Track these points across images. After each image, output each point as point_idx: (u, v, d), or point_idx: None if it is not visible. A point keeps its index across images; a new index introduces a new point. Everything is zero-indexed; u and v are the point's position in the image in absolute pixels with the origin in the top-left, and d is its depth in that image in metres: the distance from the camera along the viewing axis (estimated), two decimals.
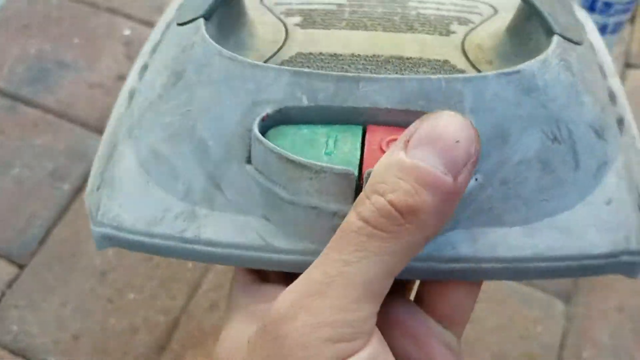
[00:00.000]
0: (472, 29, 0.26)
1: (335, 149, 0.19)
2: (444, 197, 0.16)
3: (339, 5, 0.27)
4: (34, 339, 0.50)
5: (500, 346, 0.49)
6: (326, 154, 0.19)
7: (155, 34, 0.29)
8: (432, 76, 0.19)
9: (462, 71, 0.23)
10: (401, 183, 0.16)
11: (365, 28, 0.25)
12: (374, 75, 0.19)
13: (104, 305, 0.51)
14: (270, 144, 0.19)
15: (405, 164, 0.16)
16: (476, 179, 0.19)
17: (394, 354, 0.20)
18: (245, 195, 0.20)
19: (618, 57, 0.67)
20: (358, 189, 0.19)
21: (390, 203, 0.16)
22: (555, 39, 0.22)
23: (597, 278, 0.52)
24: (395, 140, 0.18)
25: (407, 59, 0.23)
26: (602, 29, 0.52)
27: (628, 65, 0.67)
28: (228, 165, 0.20)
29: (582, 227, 0.20)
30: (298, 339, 0.15)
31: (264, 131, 0.20)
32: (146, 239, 0.21)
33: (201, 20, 0.22)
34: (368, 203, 0.16)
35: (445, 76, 0.19)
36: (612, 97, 0.25)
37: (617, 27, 0.53)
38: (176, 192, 0.21)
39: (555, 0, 0.24)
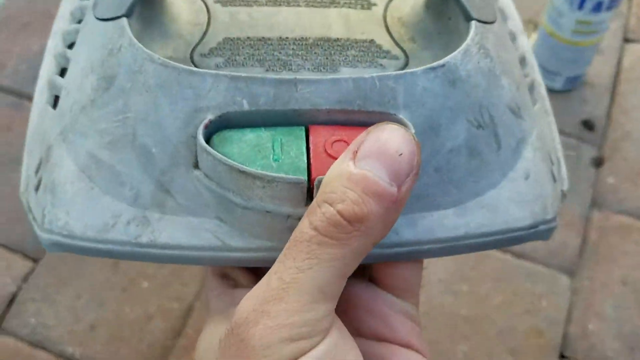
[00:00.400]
0: (391, 0, 0.26)
1: (282, 154, 0.20)
2: (388, 206, 0.17)
3: None
4: (51, 331, 0.51)
5: (506, 322, 0.50)
6: (274, 160, 0.20)
7: (64, 8, 0.27)
8: (366, 75, 0.20)
9: (388, 52, 0.24)
10: (349, 193, 0.17)
11: (288, 3, 0.25)
12: (311, 76, 0.20)
13: (118, 294, 0.52)
14: (220, 156, 0.19)
15: (353, 175, 0.17)
16: None
17: (362, 332, 0.22)
18: (197, 199, 0.21)
19: (616, 31, 0.67)
20: (309, 192, 0.20)
21: (339, 213, 0.17)
22: (473, 25, 0.22)
23: (601, 252, 0.53)
24: (339, 141, 0.19)
25: (335, 40, 0.24)
26: (598, 6, 0.53)
27: (627, 40, 0.67)
28: (175, 171, 0.21)
29: (505, 203, 0.22)
30: (260, 340, 0.16)
31: (208, 137, 0.20)
32: (100, 245, 0.21)
33: (124, 20, 0.22)
34: (319, 212, 0.17)
35: (378, 74, 0.20)
36: (522, 61, 0.26)
37: (613, 3, 0.53)
38: (124, 198, 0.21)
39: None
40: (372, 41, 0.24)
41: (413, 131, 0.19)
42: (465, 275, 0.53)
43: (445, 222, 0.21)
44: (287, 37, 0.24)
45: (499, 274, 0.52)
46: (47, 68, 0.26)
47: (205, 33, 0.24)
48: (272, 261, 0.18)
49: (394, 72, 0.20)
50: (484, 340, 0.50)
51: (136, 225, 0.21)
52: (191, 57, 0.23)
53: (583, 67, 0.60)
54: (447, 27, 0.24)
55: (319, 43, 0.24)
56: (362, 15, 0.25)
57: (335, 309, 0.18)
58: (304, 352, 0.17)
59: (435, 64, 0.21)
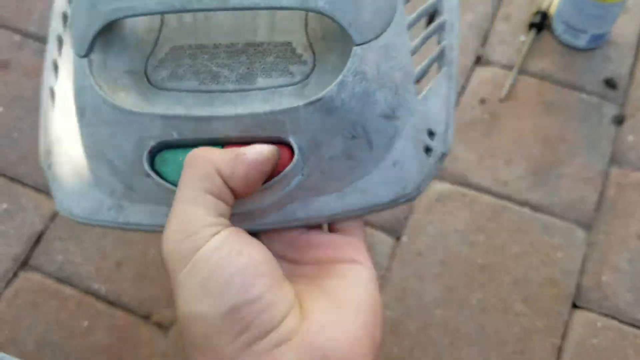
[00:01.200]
0: None
1: None
2: (230, 157, 0.25)
3: None
4: (78, 268, 0.53)
5: (522, 271, 0.51)
6: None
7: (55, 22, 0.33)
8: (261, 111, 0.26)
9: (300, 56, 0.28)
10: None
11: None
12: (220, 114, 0.26)
13: (144, 236, 0.53)
14: (157, 178, 0.27)
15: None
16: (302, 175, 0.27)
17: (313, 261, 0.28)
18: (154, 194, 0.28)
19: None
20: None
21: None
22: (353, 51, 0.26)
23: (618, 207, 0.53)
24: None
25: (258, 45, 0.29)
26: None
27: None
28: (134, 177, 0.28)
29: (374, 186, 0.29)
30: (166, 247, 0.24)
31: (153, 157, 0.27)
32: (92, 222, 0.30)
33: (85, 62, 0.27)
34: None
35: (269, 110, 0.26)
36: (441, 27, 0.31)
37: None
38: (104, 192, 0.30)
39: None
40: (289, 44, 0.29)
41: (297, 151, 0.26)
42: (482, 226, 0.53)
43: (330, 204, 0.29)
44: (220, 44, 0.29)
45: (516, 226, 0.53)
46: (51, 49, 0.32)
47: (156, 41, 0.30)
48: None
49: (282, 109, 0.26)
50: (498, 289, 0.51)
51: (114, 211, 0.30)
52: (145, 70, 0.29)
53: (609, 25, 0.60)
54: (347, 30, 0.27)
55: (245, 49, 0.29)
56: (288, 12, 0.29)
57: (299, 256, 0.28)
58: (200, 246, 0.23)
59: (314, 98, 0.26)
